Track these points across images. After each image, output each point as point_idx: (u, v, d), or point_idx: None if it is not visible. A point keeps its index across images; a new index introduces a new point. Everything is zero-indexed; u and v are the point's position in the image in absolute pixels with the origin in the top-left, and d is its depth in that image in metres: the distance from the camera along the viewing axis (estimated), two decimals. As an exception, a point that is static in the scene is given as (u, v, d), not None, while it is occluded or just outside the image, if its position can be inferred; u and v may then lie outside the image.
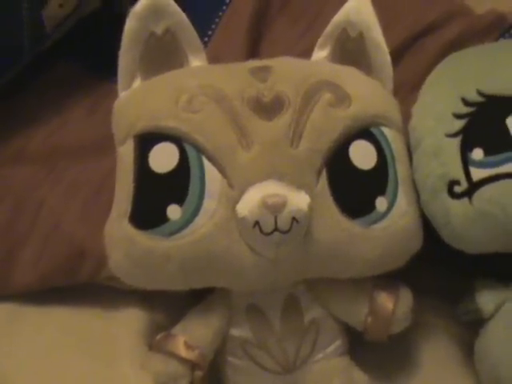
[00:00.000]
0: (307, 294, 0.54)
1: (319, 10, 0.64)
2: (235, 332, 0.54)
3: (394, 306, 0.54)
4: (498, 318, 0.53)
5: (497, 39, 0.62)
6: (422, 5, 0.64)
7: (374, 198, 0.51)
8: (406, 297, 0.55)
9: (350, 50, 0.56)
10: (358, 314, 0.54)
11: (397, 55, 0.61)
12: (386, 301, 0.54)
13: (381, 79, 0.56)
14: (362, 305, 0.54)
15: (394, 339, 0.56)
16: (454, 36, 0.61)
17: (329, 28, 0.56)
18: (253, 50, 0.63)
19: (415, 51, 0.61)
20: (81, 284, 0.59)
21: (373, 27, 0.55)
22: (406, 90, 0.58)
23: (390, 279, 0.55)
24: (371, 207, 0.51)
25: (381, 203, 0.51)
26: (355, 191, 0.51)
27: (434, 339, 0.60)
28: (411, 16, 0.63)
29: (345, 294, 0.54)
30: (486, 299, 0.54)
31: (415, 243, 0.53)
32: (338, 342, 0.55)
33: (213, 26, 0.65)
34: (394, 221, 0.52)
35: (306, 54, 0.58)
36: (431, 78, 0.55)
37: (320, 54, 0.57)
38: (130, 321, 0.59)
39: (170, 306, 0.58)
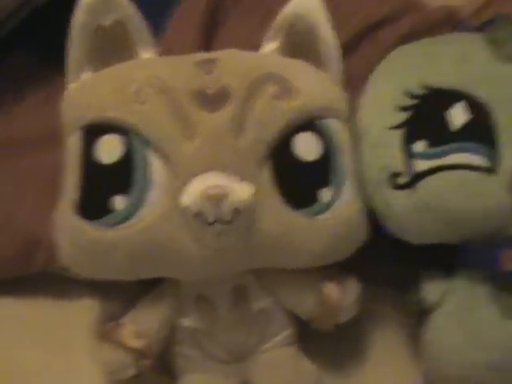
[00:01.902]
0: (256, 284, 0.55)
1: (272, 4, 0.64)
2: (185, 322, 0.54)
3: (341, 295, 0.54)
4: (441, 309, 0.54)
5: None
6: (379, -1, 0.65)
7: (318, 189, 0.52)
8: (353, 287, 0.56)
9: (299, 43, 0.56)
10: (306, 303, 0.55)
11: (351, 47, 0.62)
12: (332, 291, 0.54)
13: (330, 72, 0.56)
14: (310, 294, 0.55)
15: (344, 328, 0.57)
16: (407, 30, 0.62)
17: (278, 21, 0.57)
18: (206, 44, 0.63)
19: (368, 44, 0.62)
20: (34, 274, 0.60)
21: (321, 20, 0.56)
22: (359, 82, 0.59)
23: (337, 269, 0.55)
24: (315, 198, 0.51)
25: (325, 194, 0.52)
26: (299, 182, 0.51)
27: (384, 328, 0.61)
28: (365, 9, 0.63)
29: (293, 283, 0.55)
30: (430, 289, 0.55)
31: (361, 234, 0.54)
32: (287, 332, 0.56)
33: (166, 20, 0.65)
34: (339, 212, 0.52)
35: (260, 47, 0.58)
36: (377, 71, 0.55)
37: (269, 46, 0.57)
38: (84, 311, 0.60)
39: (122, 295, 0.59)
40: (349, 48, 0.61)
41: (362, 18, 0.62)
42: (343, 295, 0.55)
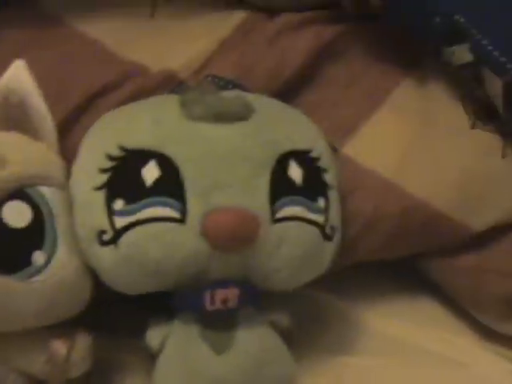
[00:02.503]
0: (-16, 351, 0.57)
1: None
2: None
3: (69, 351, 0.57)
4: (163, 353, 0.58)
5: (169, 95, 0.67)
6: (98, 68, 0.68)
7: (30, 253, 0.55)
8: (82, 341, 0.58)
9: (14, 116, 0.59)
10: (36, 363, 0.57)
11: (73, 119, 0.65)
12: (60, 347, 0.57)
13: (45, 141, 0.60)
14: (39, 354, 0.57)
15: (97, 379, 0.61)
16: (127, 95, 0.65)
17: (-8, 96, 0.60)
18: None
19: (91, 114, 0.65)
20: None
21: (32, 93, 0.59)
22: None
23: (67, 326, 0.58)
24: (28, 262, 0.54)
25: (38, 257, 0.55)
26: (9, 248, 0.54)
27: (131, 376, 0.64)
28: (85, 80, 0.66)
29: (21, 345, 0.57)
30: (152, 335, 0.58)
31: (83, 292, 0.57)
32: (25, 394, 0.58)
33: None
34: (55, 272, 0.55)
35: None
36: (85, 137, 0.59)
37: (-14, 123, 0.60)
38: None
39: None
40: (71, 120, 0.64)
41: (81, 90, 0.65)
42: (71, 350, 0.57)
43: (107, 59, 0.69)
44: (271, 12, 0.73)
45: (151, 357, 0.59)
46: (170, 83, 0.68)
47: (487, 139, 0.67)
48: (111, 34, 0.71)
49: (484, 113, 0.67)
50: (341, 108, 0.69)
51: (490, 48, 0.63)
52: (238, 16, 0.72)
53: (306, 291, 0.62)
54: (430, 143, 0.67)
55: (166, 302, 0.59)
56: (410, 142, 0.67)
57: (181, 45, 0.71)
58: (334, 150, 0.65)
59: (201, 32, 0.72)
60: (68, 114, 0.64)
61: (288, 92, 0.69)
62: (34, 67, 0.60)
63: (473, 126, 0.68)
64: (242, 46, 0.70)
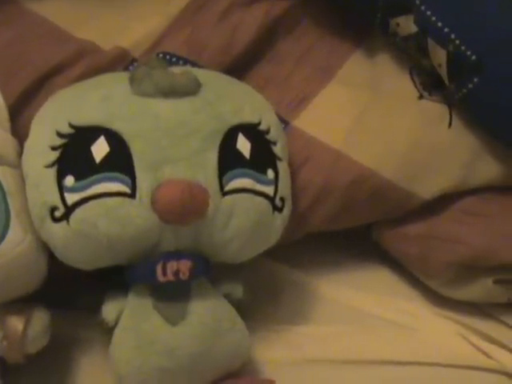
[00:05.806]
0: None
1: None
2: None
3: (25, 327, 0.58)
4: (119, 325, 0.59)
5: (123, 72, 0.68)
6: (51, 46, 0.68)
7: None
8: (39, 317, 0.59)
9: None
10: (-7, 341, 0.58)
11: (28, 97, 0.65)
12: (15, 323, 0.58)
13: (-3, 120, 0.60)
14: (-4, 331, 0.58)
15: (52, 358, 0.61)
16: (81, 72, 0.66)
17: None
18: None
19: (47, 91, 0.65)
20: None
21: None
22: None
23: (24, 302, 0.59)
24: None
25: None
26: None
27: (89, 351, 0.65)
28: (40, 57, 0.67)
29: (-22, 323, 0.58)
30: (108, 309, 0.59)
31: (39, 269, 0.58)
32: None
33: None
34: (9, 250, 0.56)
35: None
36: (37, 115, 0.60)
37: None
38: None
39: None
40: (24, 99, 0.64)
41: (34, 69, 0.66)
42: (27, 326, 0.58)
43: (60, 38, 0.70)
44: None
45: (108, 332, 0.60)
46: (122, 61, 0.69)
47: (434, 109, 0.68)
48: (63, 12, 0.71)
49: (430, 83, 0.69)
50: (292, 82, 0.70)
51: (433, 19, 0.64)
52: (188, -7, 0.73)
53: (259, 262, 0.63)
54: (379, 114, 0.68)
55: (122, 277, 0.60)
56: (359, 113, 0.69)
57: (133, 23, 0.71)
58: (284, 122, 0.66)
59: (152, 10, 0.72)
60: (21, 92, 0.65)
61: (240, 67, 0.70)
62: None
63: (420, 97, 0.69)
64: (193, 23, 0.71)
